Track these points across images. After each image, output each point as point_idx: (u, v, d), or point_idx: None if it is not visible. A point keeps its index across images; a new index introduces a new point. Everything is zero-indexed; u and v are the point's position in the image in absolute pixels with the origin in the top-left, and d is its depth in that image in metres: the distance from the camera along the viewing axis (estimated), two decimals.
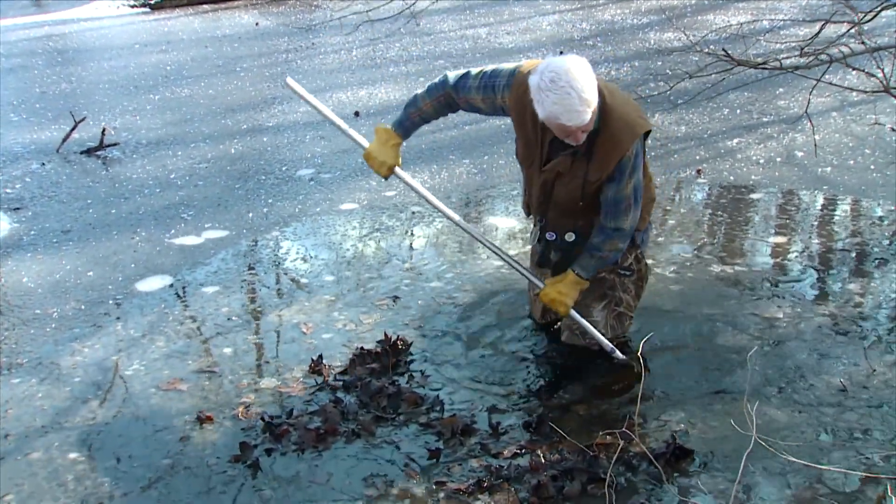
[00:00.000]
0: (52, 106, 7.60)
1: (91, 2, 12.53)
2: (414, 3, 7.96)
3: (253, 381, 3.46)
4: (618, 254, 3.36)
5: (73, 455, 3.07)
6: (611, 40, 9.42)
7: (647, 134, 3.21)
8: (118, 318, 4.00)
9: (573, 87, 2.86)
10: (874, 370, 3.38)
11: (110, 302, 4.15)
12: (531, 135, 3.23)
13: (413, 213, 5.09)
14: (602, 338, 3.45)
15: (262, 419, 3.18)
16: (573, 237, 3.38)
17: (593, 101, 2.92)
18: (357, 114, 7.03)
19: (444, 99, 3.40)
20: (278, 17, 11.48)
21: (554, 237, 3.40)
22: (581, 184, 3.20)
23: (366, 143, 3.47)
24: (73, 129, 6.51)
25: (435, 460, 2.97)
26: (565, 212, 3.34)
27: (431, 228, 4.87)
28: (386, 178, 3.54)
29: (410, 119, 3.47)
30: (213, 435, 3.14)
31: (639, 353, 3.20)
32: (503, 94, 3.24)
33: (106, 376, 3.54)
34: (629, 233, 3.31)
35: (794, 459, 2.66)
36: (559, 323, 3.68)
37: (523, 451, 2.99)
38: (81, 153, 6.31)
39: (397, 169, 3.46)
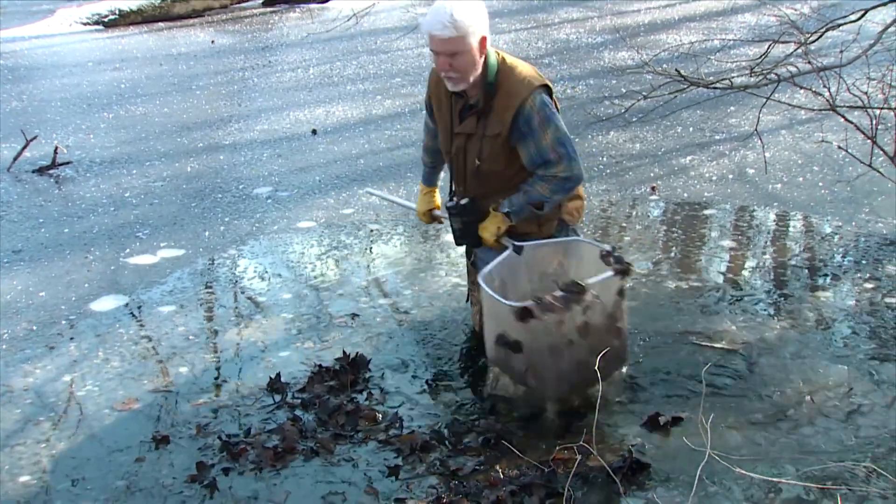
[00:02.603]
0: (2, 124, 7.48)
1: (43, 19, 12.37)
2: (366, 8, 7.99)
3: (210, 400, 3.43)
4: (544, 197, 3.29)
5: (24, 478, 3.01)
6: (566, 59, 9.53)
7: (550, 92, 3.29)
8: (72, 339, 3.94)
9: (447, 5, 3.12)
10: (826, 385, 3.44)
11: (63, 322, 4.09)
12: (447, 116, 3.41)
13: (371, 230, 5.09)
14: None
15: (220, 438, 3.15)
16: (466, 200, 3.44)
17: (464, 27, 3.12)
18: (314, 132, 7.02)
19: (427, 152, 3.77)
20: (234, 36, 11.44)
21: (453, 203, 3.46)
22: (484, 141, 3.30)
23: (414, 205, 3.87)
24: (24, 147, 6.41)
25: (394, 477, 2.96)
26: (472, 177, 3.41)
27: (389, 246, 4.88)
28: (429, 223, 3.87)
29: (425, 167, 3.80)
30: (170, 455, 3.10)
31: (596, 368, 3.22)
32: (426, 94, 3.53)
33: (59, 398, 3.48)
34: (564, 183, 3.29)
35: (746, 473, 2.70)
36: None
37: (482, 466, 2.99)
38: (33, 172, 6.22)
39: (434, 211, 3.79)
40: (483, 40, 3.17)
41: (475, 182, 3.41)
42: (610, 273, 3.17)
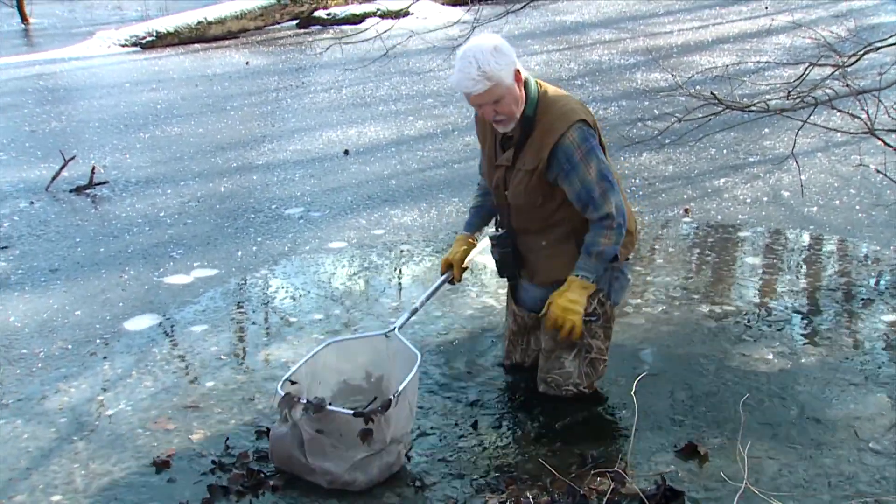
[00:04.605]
0: (41, 144, 7.60)
1: (83, 41, 12.57)
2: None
3: (241, 421, 3.43)
4: (615, 247, 3.26)
5: (56, 497, 3.02)
6: (598, 80, 9.52)
7: (594, 125, 3.22)
8: (105, 358, 3.97)
9: (475, 58, 3.03)
10: (866, 414, 3.38)
11: (98, 341, 4.13)
12: (490, 146, 3.38)
13: (402, 251, 5.10)
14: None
15: (250, 458, 3.15)
16: (501, 231, 3.44)
17: (495, 74, 3.05)
18: (347, 152, 7.06)
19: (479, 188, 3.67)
20: (268, 57, 11.57)
21: (495, 234, 3.47)
22: (520, 175, 3.26)
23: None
24: (62, 167, 6.51)
25: (423, 497, 2.94)
26: (513, 211, 3.36)
27: (420, 267, 4.88)
28: (444, 273, 3.60)
29: (469, 210, 3.71)
30: (201, 475, 3.10)
31: (632, 393, 3.19)
32: (476, 127, 3.51)
33: (92, 417, 3.50)
34: (619, 220, 3.23)
35: None
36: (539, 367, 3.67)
37: (513, 491, 2.96)
38: (70, 191, 6.31)
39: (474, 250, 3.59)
40: (517, 73, 3.12)
41: (515, 216, 3.37)
42: (348, 411, 3.00)
